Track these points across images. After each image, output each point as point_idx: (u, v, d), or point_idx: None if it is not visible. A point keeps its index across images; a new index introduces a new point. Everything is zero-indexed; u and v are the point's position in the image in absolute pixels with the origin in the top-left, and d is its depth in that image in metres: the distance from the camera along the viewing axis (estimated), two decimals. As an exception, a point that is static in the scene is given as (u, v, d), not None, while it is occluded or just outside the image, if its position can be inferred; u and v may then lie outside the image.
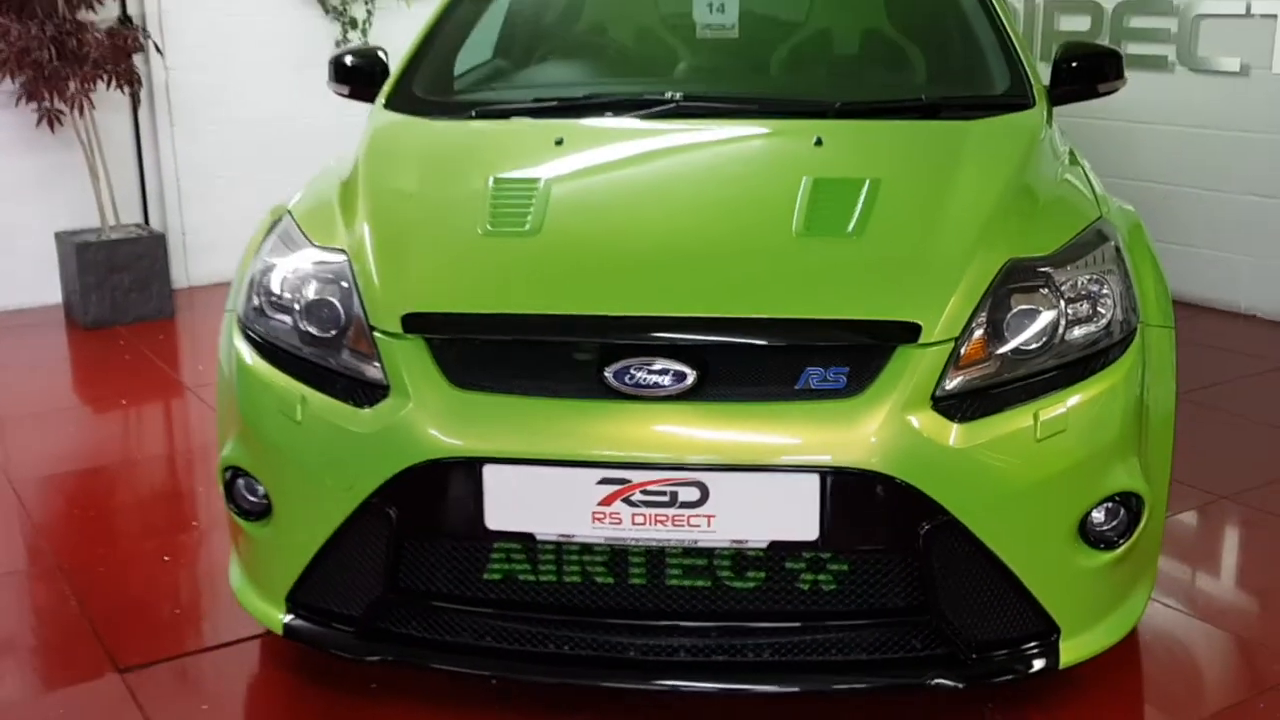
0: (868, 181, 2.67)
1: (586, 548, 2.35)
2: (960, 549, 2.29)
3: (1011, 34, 3.41)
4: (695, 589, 2.38)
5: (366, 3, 6.28)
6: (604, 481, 2.25)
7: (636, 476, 2.25)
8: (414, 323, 2.39)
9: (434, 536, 2.40)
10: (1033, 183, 2.76)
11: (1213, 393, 4.44)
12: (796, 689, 2.39)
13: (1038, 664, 2.39)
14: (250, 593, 2.67)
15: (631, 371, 2.28)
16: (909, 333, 2.30)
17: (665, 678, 2.39)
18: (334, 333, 2.51)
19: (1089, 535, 2.40)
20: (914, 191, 2.71)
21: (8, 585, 3.18)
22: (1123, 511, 2.44)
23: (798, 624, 2.38)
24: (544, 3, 3.95)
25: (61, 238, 5.66)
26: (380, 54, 3.68)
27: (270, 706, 2.70)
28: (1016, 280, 2.42)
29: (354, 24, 6.31)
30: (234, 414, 2.63)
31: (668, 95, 3.16)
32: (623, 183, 2.91)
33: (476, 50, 3.86)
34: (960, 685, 2.34)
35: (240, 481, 2.61)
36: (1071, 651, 2.41)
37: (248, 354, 2.61)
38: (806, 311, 2.35)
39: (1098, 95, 3.39)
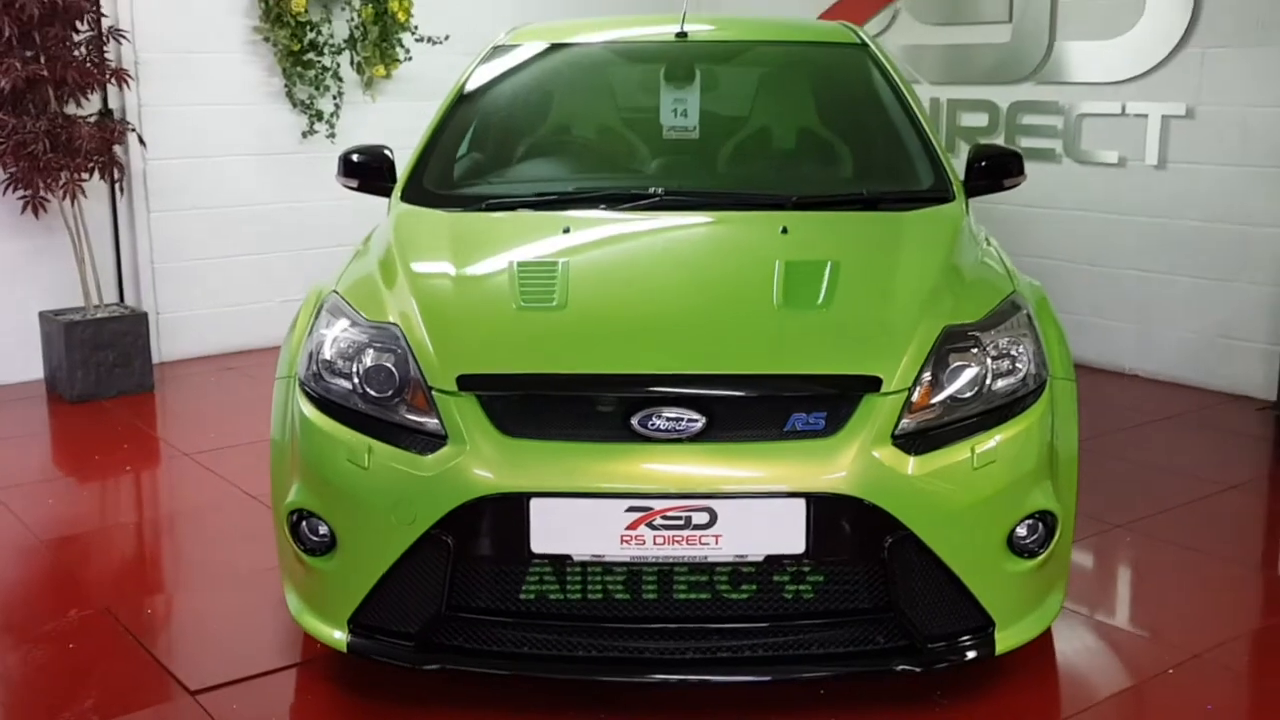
0: (829, 263, 3.26)
1: (608, 568, 2.86)
2: (916, 558, 2.85)
3: (933, 138, 4.04)
4: (698, 601, 2.90)
5: (335, 98, 6.77)
6: (631, 509, 2.77)
7: (658, 505, 2.77)
8: (468, 382, 2.90)
9: (485, 560, 2.88)
10: (959, 263, 3.37)
11: (1103, 440, 5.09)
12: (788, 679, 2.93)
13: (979, 651, 2.95)
14: (312, 618, 3.11)
15: (652, 419, 2.82)
16: (872, 385, 2.87)
17: (677, 673, 2.90)
18: (390, 393, 2.99)
19: (1015, 546, 2.97)
20: (866, 270, 3.30)
21: (65, 630, 3.54)
22: (1041, 526, 3.01)
23: (784, 625, 2.91)
24: (515, 103, 4.48)
25: (46, 317, 6.03)
26: (386, 152, 4.17)
27: (332, 715, 3.12)
28: (952, 343, 3.01)
29: (319, 116, 6.78)
30: (298, 464, 3.10)
31: (651, 191, 3.74)
32: (628, 263, 3.46)
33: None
34: (919, 669, 2.90)
35: (304, 523, 3.07)
36: (1005, 641, 2.97)
37: (311, 413, 3.07)
38: (791, 369, 2.91)
39: (1004, 189, 4.03)
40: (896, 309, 3.09)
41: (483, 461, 2.82)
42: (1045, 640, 3.32)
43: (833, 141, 4.40)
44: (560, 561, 2.85)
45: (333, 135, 6.82)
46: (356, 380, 3.04)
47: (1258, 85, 5.57)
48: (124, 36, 6.04)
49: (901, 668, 2.90)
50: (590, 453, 2.83)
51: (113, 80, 5.93)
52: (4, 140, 5.57)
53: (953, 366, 2.97)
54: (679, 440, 2.82)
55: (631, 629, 2.92)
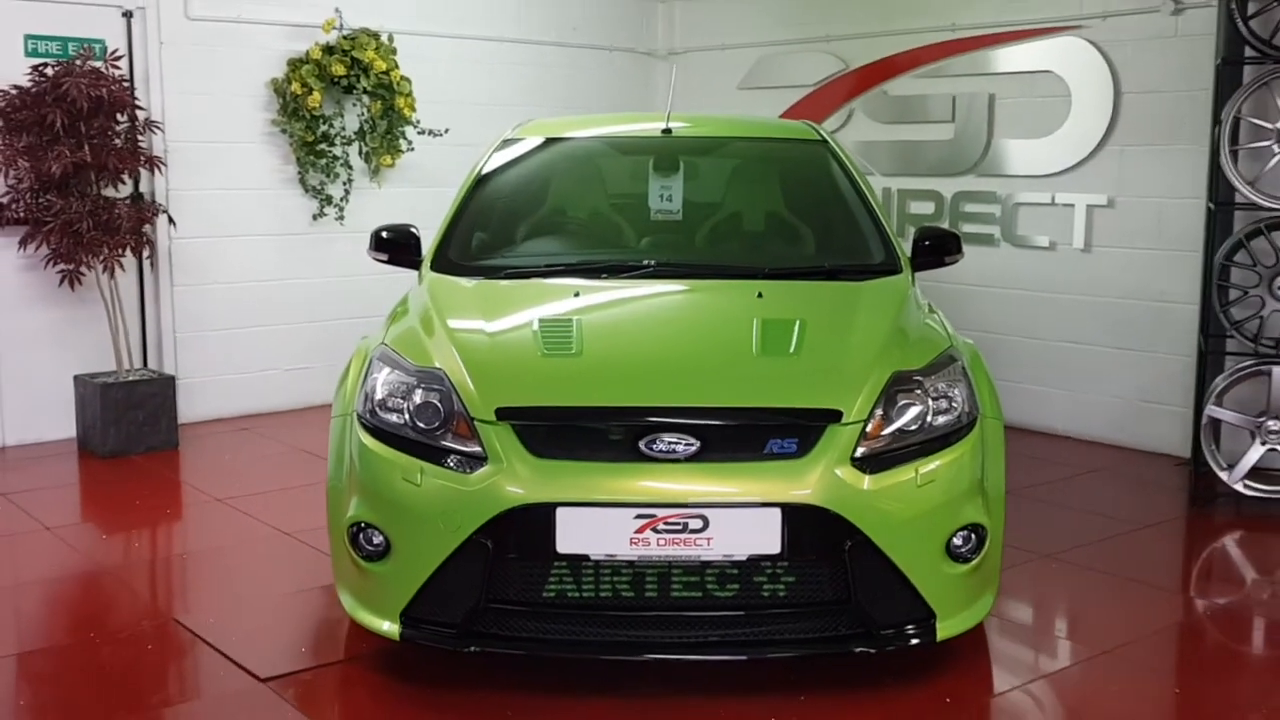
0: (797, 320, 3.94)
1: (618, 566, 3.47)
2: (870, 558, 3.47)
3: (884, 221, 4.74)
4: (691, 598, 3.51)
5: (345, 184, 7.45)
6: (639, 516, 3.40)
7: (660, 512, 3.40)
8: (505, 413, 3.53)
9: (518, 559, 3.49)
10: (904, 323, 4.04)
11: (1036, 490, 5.77)
12: (762, 657, 3.55)
13: (923, 638, 3.58)
14: (367, 614, 3.69)
15: (656, 442, 3.46)
16: (834, 416, 3.53)
17: (672, 654, 3.52)
18: (437, 424, 3.62)
19: (952, 552, 3.61)
20: (828, 327, 3.98)
21: (141, 635, 4.11)
22: (974, 537, 3.66)
23: (761, 615, 3.52)
24: (523, 188, 5.14)
25: (81, 379, 6.60)
26: (412, 229, 4.81)
27: (396, 696, 3.67)
28: (899, 385, 3.67)
29: (329, 201, 7.45)
30: (356, 485, 3.70)
31: (645, 263, 4.42)
32: (630, 320, 4.11)
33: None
34: (873, 650, 3.52)
35: (363, 534, 3.67)
36: (945, 630, 3.60)
37: (370, 442, 3.69)
38: (769, 403, 3.57)
39: (944, 265, 4.72)
40: (854, 357, 3.76)
41: (517, 478, 3.44)
42: (979, 636, 3.96)
43: (797, 223, 5.11)
44: (579, 560, 3.46)
45: (341, 218, 7.49)
46: (408, 415, 3.66)
47: (1170, 179, 6.33)
48: (159, 128, 6.69)
49: (859, 649, 3.52)
50: (605, 470, 3.46)
51: (147, 166, 6.57)
52: (51, 219, 6.19)
53: (900, 404, 3.63)
54: (677, 460, 3.46)
55: (635, 618, 3.53)
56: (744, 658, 3.56)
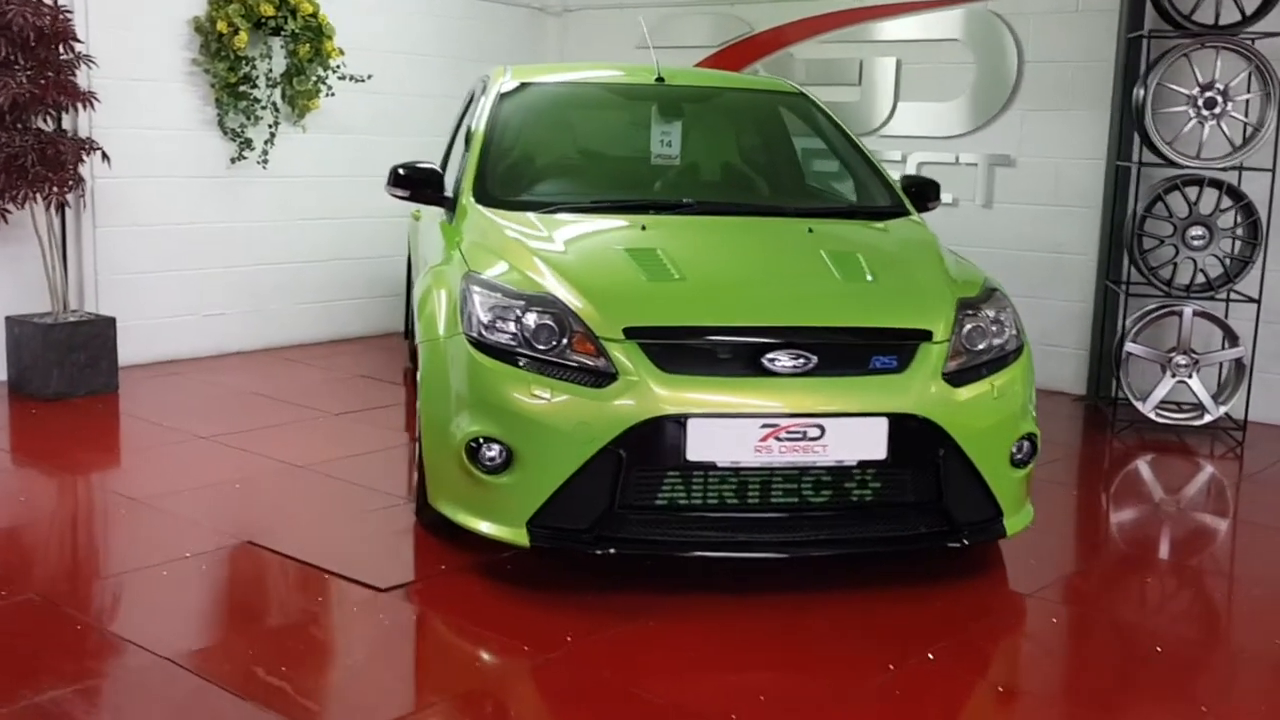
0: (857, 253, 4.32)
1: (738, 472, 3.75)
2: (958, 463, 3.89)
3: (880, 166, 5.17)
4: (789, 504, 3.84)
5: (270, 127, 7.36)
6: (764, 425, 3.71)
7: (783, 422, 3.72)
8: (633, 332, 3.77)
9: (648, 468, 3.73)
10: (946, 259, 4.47)
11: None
12: (860, 552, 3.94)
13: (998, 534, 4.03)
14: (487, 524, 3.87)
15: (778, 358, 3.77)
16: (926, 336, 3.93)
17: (779, 552, 3.86)
18: (554, 344, 3.81)
19: (1013, 459, 4.07)
20: (884, 259, 4.38)
21: (223, 556, 4.14)
22: (1027, 445, 4.13)
23: (852, 515, 3.90)
24: (539, 130, 5.34)
25: (15, 320, 6.35)
26: (436, 168, 4.93)
27: (515, 597, 3.83)
28: (964, 309, 4.09)
29: (249, 144, 7.33)
30: (468, 401, 3.86)
31: (684, 200, 4.71)
32: (710, 250, 4.36)
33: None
34: (965, 543, 3.95)
35: (482, 448, 3.83)
36: (1010, 528, 4.06)
37: (487, 361, 3.85)
38: (872, 323, 3.96)
39: (928, 209, 5.18)
40: (927, 285, 4.17)
41: (652, 392, 3.69)
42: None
43: (800, 167, 5.52)
44: (705, 467, 3.74)
45: (265, 162, 7.39)
46: (522, 336, 3.83)
47: (1069, 141, 7.01)
48: (93, 62, 6.46)
49: (951, 544, 3.94)
50: (732, 384, 3.76)
51: (84, 102, 6.34)
52: (-4, 153, 5.94)
53: (968, 328, 4.05)
54: (798, 374, 3.78)
55: (744, 519, 3.84)
56: (841, 552, 3.93)
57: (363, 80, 7.60)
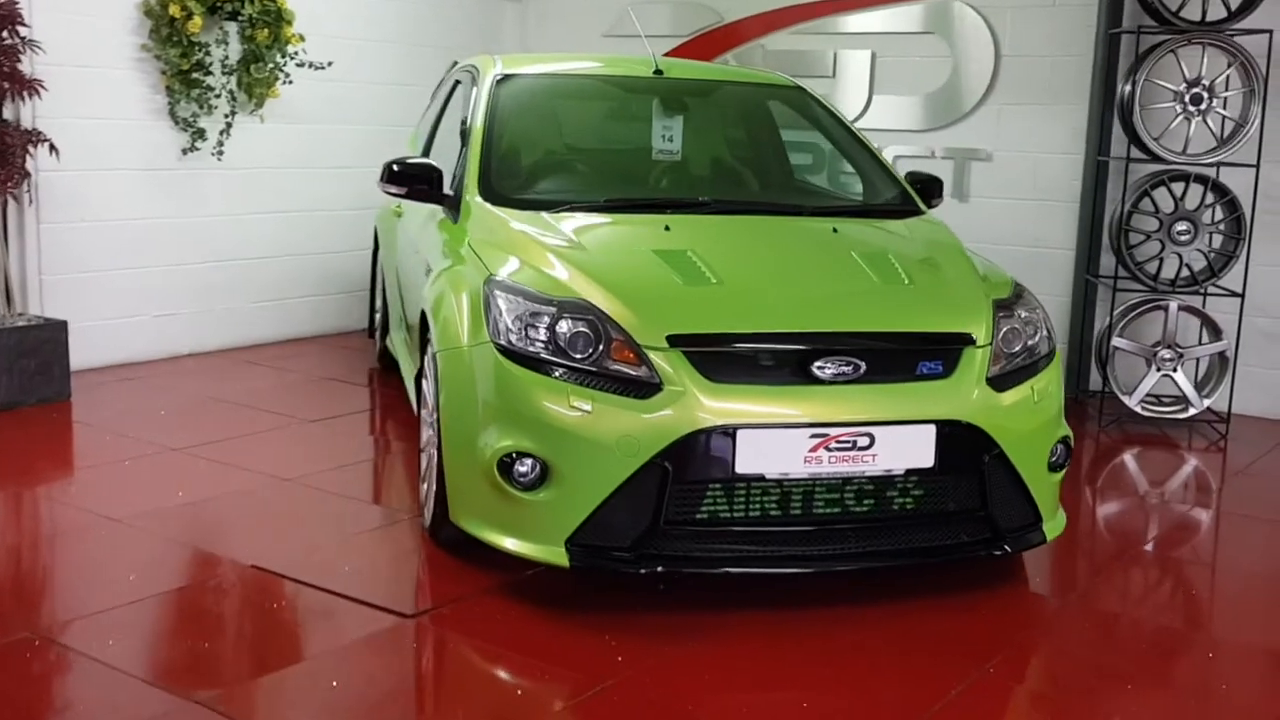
0: (888, 254, 4.18)
1: (765, 489, 3.59)
2: (1003, 470, 3.78)
3: (885, 161, 5.05)
4: (832, 515, 3.70)
5: (226, 117, 7.02)
6: (813, 435, 3.56)
7: (833, 431, 3.57)
8: (677, 340, 3.59)
9: (696, 481, 3.56)
10: (973, 260, 4.36)
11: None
12: (901, 564, 3.82)
13: (1038, 540, 3.93)
14: (523, 543, 3.65)
15: (827, 365, 3.62)
16: (969, 340, 3.80)
17: (824, 566, 3.71)
18: (590, 352, 3.62)
19: (1050, 463, 3.97)
20: (915, 260, 4.23)
21: (228, 583, 3.88)
22: (1062, 448, 4.03)
23: (891, 526, 3.76)
24: (541, 124, 5.13)
25: (-40, 324, 5.97)
26: (436, 165, 4.70)
27: (551, 620, 3.65)
28: (999, 312, 3.98)
29: (201, 135, 6.98)
30: (502, 414, 3.64)
31: (702, 199, 4.54)
32: (741, 251, 4.17)
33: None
34: (1010, 551, 3.84)
35: (516, 463, 3.62)
36: (1049, 534, 3.96)
37: (519, 371, 3.64)
38: (918, 328, 3.83)
39: (931, 206, 5.08)
40: (962, 287, 4.05)
41: (700, 403, 3.52)
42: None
43: (804, 163, 5.36)
44: (750, 480, 3.57)
45: (220, 153, 7.06)
46: (555, 345, 3.63)
47: (1047, 135, 6.96)
48: (39, 48, 6.10)
49: (998, 553, 3.83)
50: (781, 393, 3.60)
51: (31, 90, 5.98)
52: (-62, 144, 5.56)
53: (1004, 330, 3.94)
54: (848, 382, 3.63)
55: (787, 533, 3.69)
56: (884, 565, 3.81)
57: (323, 67, 7.29)
